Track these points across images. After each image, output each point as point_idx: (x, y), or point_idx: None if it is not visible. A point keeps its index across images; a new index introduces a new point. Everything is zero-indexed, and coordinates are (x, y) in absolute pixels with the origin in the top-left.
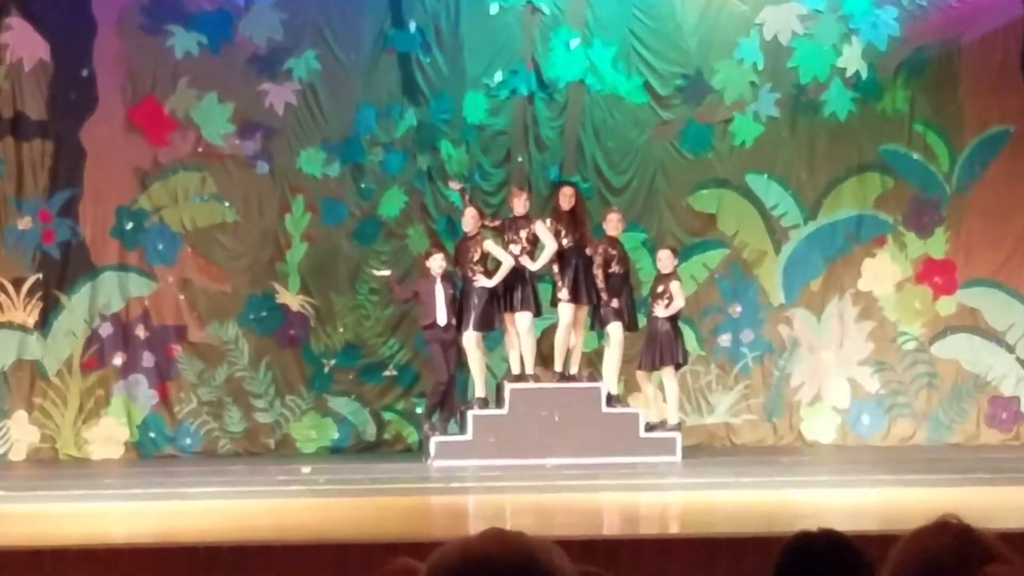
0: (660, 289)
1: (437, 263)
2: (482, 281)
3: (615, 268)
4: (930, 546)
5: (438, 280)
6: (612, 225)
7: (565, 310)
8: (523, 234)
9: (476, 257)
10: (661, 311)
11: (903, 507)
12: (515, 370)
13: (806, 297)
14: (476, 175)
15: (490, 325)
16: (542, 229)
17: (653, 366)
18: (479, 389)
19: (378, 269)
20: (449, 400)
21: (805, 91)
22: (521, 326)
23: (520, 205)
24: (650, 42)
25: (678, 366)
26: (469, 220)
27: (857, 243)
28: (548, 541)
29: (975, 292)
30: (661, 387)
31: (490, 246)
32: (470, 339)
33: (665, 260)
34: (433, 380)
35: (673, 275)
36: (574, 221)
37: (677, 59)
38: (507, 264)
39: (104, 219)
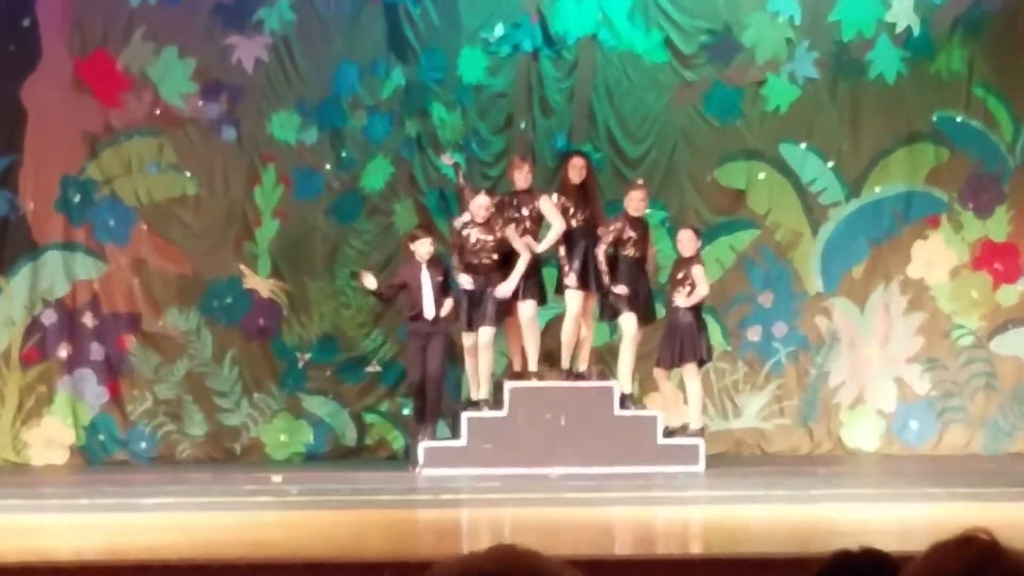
0: (680, 275)
1: (424, 248)
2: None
3: (630, 251)
4: (948, 562)
5: (424, 266)
6: (634, 204)
7: (573, 298)
8: (525, 211)
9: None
10: (682, 300)
11: (955, 524)
12: (516, 367)
13: (847, 285)
14: (473, 143)
15: (504, 317)
16: (547, 206)
17: (672, 363)
18: (482, 391)
19: (364, 276)
20: (432, 402)
21: (848, 49)
22: (523, 316)
23: (522, 178)
24: None
25: (701, 363)
26: (481, 210)
27: (906, 224)
28: (563, 562)
29: None
30: (682, 387)
31: (510, 234)
32: (486, 335)
33: (687, 242)
34: (409, 379)
35: (695, 259)
36: (585, 197)
37: (702, 12)
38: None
39: (47, 190)
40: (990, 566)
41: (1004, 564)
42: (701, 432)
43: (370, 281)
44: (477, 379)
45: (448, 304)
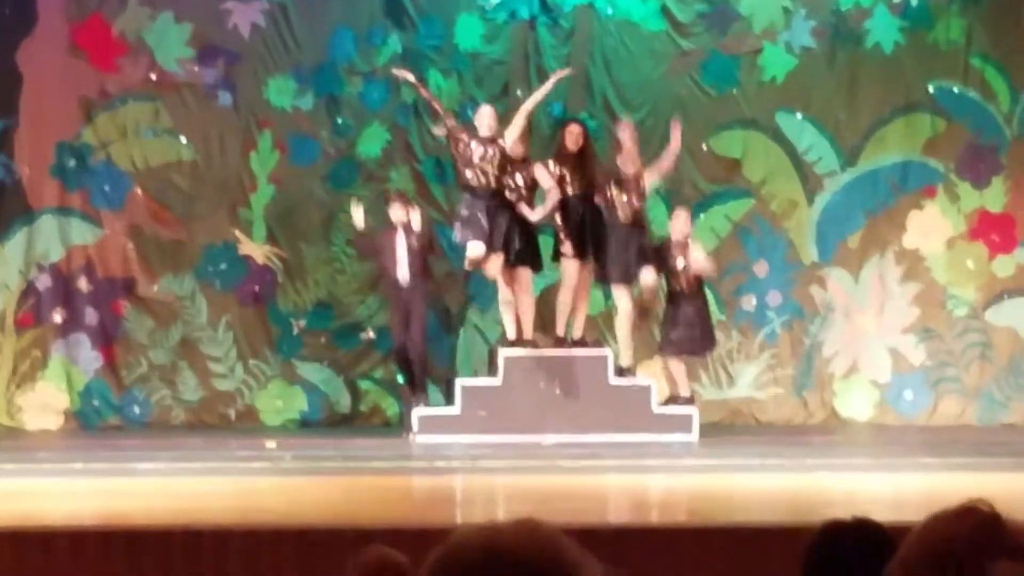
0: (679, 262)
1: (396, 213)
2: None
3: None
4: (944, 532)
5: (400, 230)
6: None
7: (569, 267)
8: (520, 178)
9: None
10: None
11: (949, 495)
12: (510, 335)
13: (842, 255)
14: (469, 111)
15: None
16: (543, 173)
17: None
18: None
19: (355, 209)
20: (420, 369)
21: (845, 19)
22: (519, 283)
23: (516, 147)
24: None
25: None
26: (484, 118)
27: (902, 194)
28: (585, 552)
29: None
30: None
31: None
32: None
33: (682, 223)
34: (394, 347)
35: (688, 241)
36: (581, 165)
37: None
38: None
39: (43, 155)
40: (989, 537)
41: (1003, 535)
42: (691, 400)
43: (358, 217)
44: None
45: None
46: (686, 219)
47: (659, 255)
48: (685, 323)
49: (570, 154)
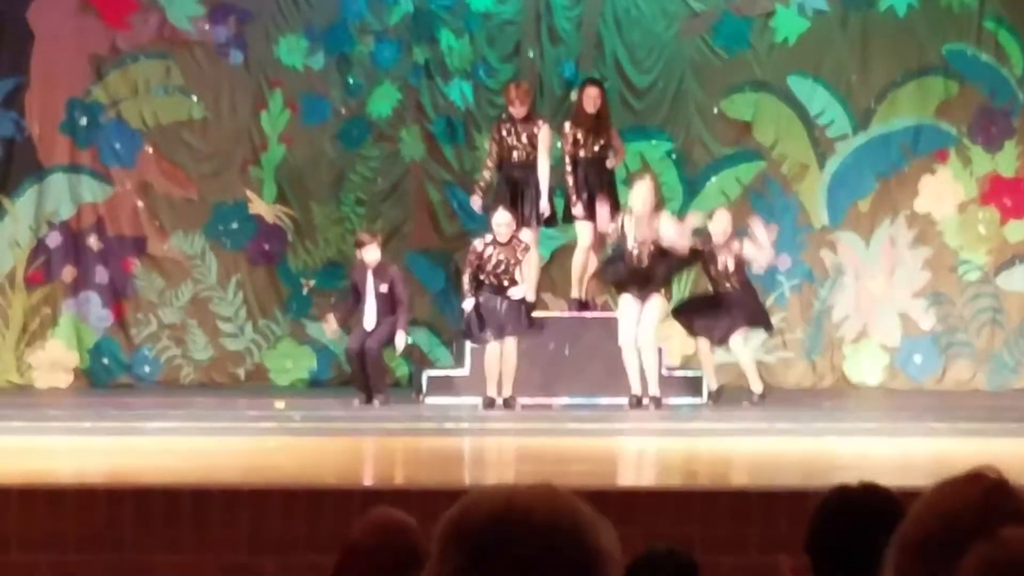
0: (730, 264)
1: (371, 254)
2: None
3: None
4: (953, 499)
5: (369, 273)
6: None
7: (583, 229)
8: (525, 138)
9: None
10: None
11: (958, 460)
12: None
13: (853, 218)
14: (480, 71)
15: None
16: (545, 136)
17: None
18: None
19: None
20: (376, 374)
21: None
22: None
23: (520, 104)
24: None
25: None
26: (502, 227)
27: (914, 157)
28: (601, 518)
29: None
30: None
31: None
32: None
33: (726, 224)
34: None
35: (733, 239)
36: (598, 127)
37: None
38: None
39: (53, 112)
40: (997, 504)
41: (1011, 502)
42: (763, 396)
43: (332, 327)
44: (498, 379)
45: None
46: (728, 220)
47: (699, 258)
48: (740, 307)
49: (588, 116)
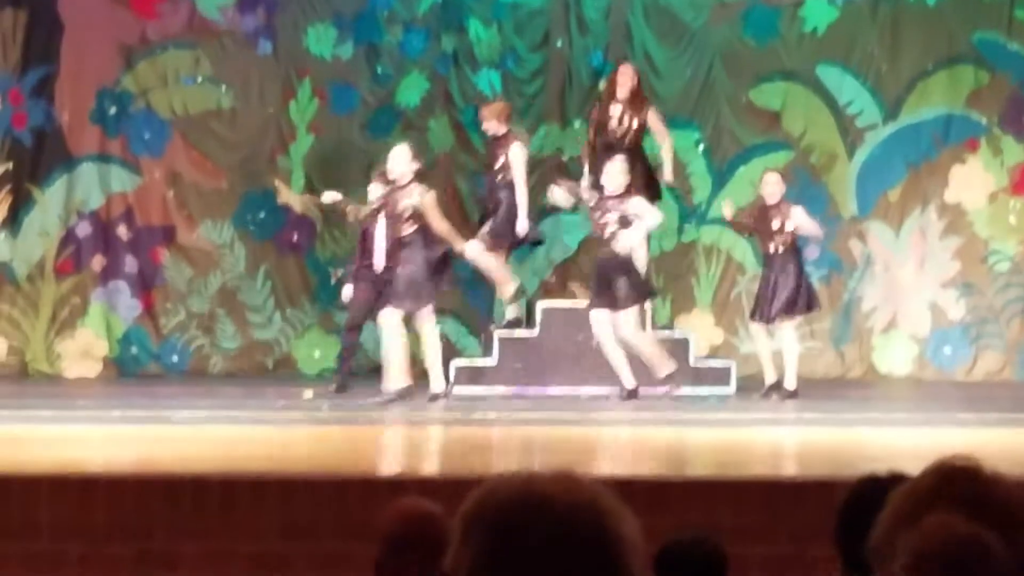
0: (776, 224)
1: (376, 191)
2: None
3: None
4: (913, 484)
5: (381, 214)
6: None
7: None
8: (502, 160)
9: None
10: (780, 248)
11: (987, 450)
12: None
13: (883, 208)
14: (509, 60)
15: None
16: (518, 154)
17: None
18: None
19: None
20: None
21: None
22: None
23: (497, 122)
24: None
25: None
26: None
27: (945, 147)
28: (623, 505)
29: None
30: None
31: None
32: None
33: (774, 185)
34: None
35: (783, 203)
36: (634, 107)
37: None
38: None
39: (83, 102)
40: (948, 490)
41: (969, 488)
42: (794, 394)
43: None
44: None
45: None
46: (778, 180)
47: (753, 218)
48: (787, 285)
49: (619, 99)
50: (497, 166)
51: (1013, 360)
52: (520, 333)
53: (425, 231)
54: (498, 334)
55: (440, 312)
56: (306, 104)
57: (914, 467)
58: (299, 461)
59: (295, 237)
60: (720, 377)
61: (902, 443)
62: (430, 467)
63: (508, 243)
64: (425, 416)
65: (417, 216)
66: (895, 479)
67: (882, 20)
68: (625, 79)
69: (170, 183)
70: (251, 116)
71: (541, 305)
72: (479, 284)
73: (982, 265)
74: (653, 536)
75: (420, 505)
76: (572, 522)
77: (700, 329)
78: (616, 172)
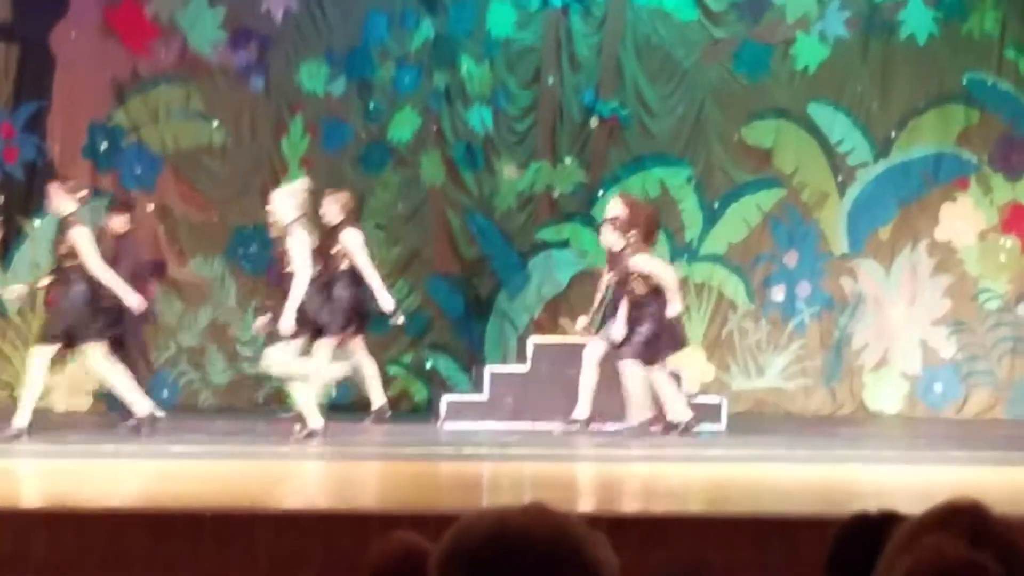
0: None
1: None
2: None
3: None
4: (917, 522)
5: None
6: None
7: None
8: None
9: None
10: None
11: (978, 488)
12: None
13: (874, 246)
14: (500, 97)
15: None
16: (352, 239)
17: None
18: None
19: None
20: None
21: (879, 9)
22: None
23: (337, 210)
24: None
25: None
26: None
27: (935, 185)
28: (595, 531)
29: None
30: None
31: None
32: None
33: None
34: None
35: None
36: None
37: None
38: None
39: (75, 136)
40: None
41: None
42: (693, 422)
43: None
44: None
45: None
46: (621, 206)
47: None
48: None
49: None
50: (333, 252)
51: (1004, 398)
52: (511, 369)
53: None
54: (489, 369)
55: (432, 347)
56: (298, 140)
57: (905, 505)
58: (290, 496)
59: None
60: (710, 413)
61: (893, 481)
62: (422, 503)
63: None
64: (416, 452)
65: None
66: (886, 517)
67: (873, 59)
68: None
69: (161, 217)
70: (243, 151)
71: (532, 341)
72: (470, 319)
73: (972, 303)
74: (644, 572)
75: (409, 540)
76: (550, 552)
77: (691, 366)
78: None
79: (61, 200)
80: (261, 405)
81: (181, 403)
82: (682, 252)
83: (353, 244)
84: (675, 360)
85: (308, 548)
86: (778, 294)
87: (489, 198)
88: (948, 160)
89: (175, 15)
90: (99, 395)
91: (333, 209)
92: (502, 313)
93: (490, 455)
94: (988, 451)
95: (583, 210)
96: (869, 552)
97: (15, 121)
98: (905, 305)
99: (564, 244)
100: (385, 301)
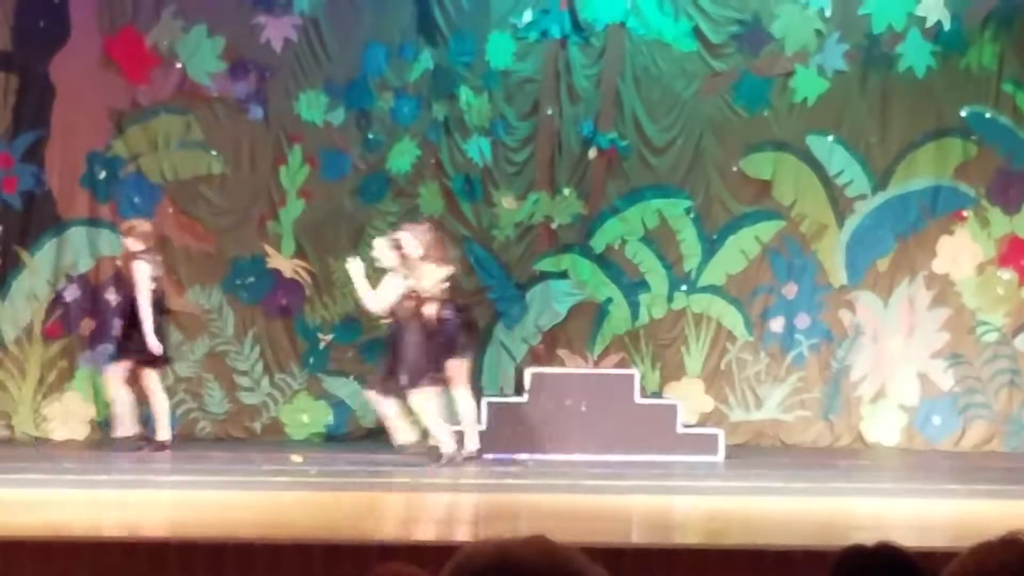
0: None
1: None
2: None
3: None
4: (990, 564)
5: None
6: None
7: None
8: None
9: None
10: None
11: (976, 522)
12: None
13: (872, 278)
14: (499, 128)
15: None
16: (140, 271)
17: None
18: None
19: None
20: None
21: (878, 42)
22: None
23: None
24: None
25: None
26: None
27: (933, 218)
28: (595, 563)
29: None
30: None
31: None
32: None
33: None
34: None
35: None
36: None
37: (732, 1)
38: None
39: (73, 166)
40: None
41: None
42: (478, 454)
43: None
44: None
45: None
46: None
47: None
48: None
49: None
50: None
51: (1001, 431)
52: (509, 399)
53: None
54: (486, 400)
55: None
56: (297, 169)
57: (903, 537)
58: (287, 526)
59: (284, 302)
60: (708, 445)
61: (890, 513)
62: (419, 533)
63: (138, 358)
64: (414, 481)
65: None
66: (883, 549)
67: (872, 92)
68: None
69: (159, 247)
70: (241, 181)
71: (530, 371)
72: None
73: (970, 336)
74: None
75: (406, 571)
76: None
77: (690, 397)
78: None
79: (132, 242)
80: (259, 435)
81: (179, 433)
82: (681, 283)
83: (141, 276)
84: (674, 391)
85: None
86: (777, 326)
87: (487, 229)
88: (946, 193)
89: (175, 45)
90: (98, 423)
91: (132, 240)
92: (499, 344)
93: (487, 485)
94: (986, 484)
95: (581, 241)
96: None
97: (14, 151)
98: (903, 337)
99: (562, 275)
100: (151, 345)
